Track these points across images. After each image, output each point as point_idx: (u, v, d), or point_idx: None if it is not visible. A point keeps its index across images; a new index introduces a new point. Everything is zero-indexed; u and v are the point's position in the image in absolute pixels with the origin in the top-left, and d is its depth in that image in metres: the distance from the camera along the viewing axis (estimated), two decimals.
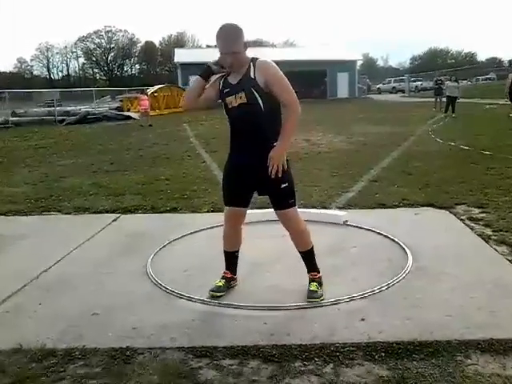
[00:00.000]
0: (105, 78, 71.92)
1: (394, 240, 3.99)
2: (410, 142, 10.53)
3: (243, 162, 2.88)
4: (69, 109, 24.45)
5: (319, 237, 3.39)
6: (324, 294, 2.99)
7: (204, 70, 2.88)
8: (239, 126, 2.86)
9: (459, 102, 18.13)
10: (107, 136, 15.02)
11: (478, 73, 44.96)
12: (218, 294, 3.06)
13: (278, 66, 2.79)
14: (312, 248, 3.07)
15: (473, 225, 4.38)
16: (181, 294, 3.11)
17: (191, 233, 4.43)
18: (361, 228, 4.39)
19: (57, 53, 73.39)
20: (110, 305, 3.02)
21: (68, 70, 75.95)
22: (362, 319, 2.70)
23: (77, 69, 76.11)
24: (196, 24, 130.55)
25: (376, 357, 2.33)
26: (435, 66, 54.42)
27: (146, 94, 21.65)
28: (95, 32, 70.95)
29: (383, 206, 5.22)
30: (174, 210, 5.41)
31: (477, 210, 4.85)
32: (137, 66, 77.15)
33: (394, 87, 49.71)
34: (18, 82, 54.87)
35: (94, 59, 73.57)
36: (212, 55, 3.19)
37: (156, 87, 27.45)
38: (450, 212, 4.85)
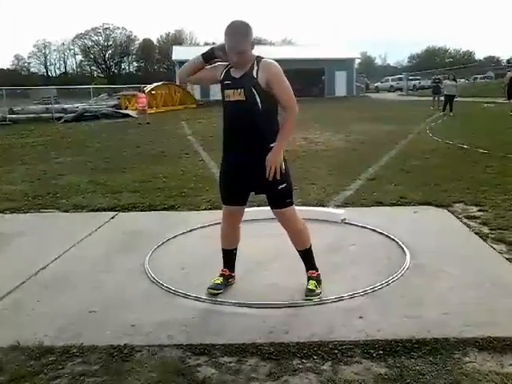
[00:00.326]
0: (102, 75, 71.55)
1: (392, 238, 3.99)
2: (407, 140, 10.55)
3: (240, 160, 2.87)
4: (66, 106, 24.29)
5: (317, 235, 3.39)
6: (322, 292, 2.99)
7: (207, 53, 2.89)
8: (236, 124, 2.85)
9: (457, 100, 18.17)
10: (105, 134, 15.00)
11: (476, 71, 45.05)
12: (216, 292, 3.05)
13: None
14: (310, 247, 3.07)
15: (471, 223, 4.39)
16: (179, 292, 3.10)
17: (189, 231, 4.43)
18: (359, 226, 4.40)
19: (54, 50, 73.34)
20: (107, 302, 3.02)
21: (65, 67, 75.88)
22: (360, 317, 2.70)
23: (74, 66, 76.13)
24: (194, 21, 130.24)
25: (374, 354, 2.33)
26: (433, 64, 54.53)
27: (144, 92, 21.65)
28: (93, 29, 70.84)
29: (381, 204, 5.22)
30: (171, 207, 5.40)
31: (475, 209, 4.86)
32: (134, 64, 77.08)
33: (391, 86, 49.72)
34: (16, 79, 54.54)
35: (91, 56, 73.29)
36: None
37: (154, 85, 27.33)
38: (448, 210, 4.85)
